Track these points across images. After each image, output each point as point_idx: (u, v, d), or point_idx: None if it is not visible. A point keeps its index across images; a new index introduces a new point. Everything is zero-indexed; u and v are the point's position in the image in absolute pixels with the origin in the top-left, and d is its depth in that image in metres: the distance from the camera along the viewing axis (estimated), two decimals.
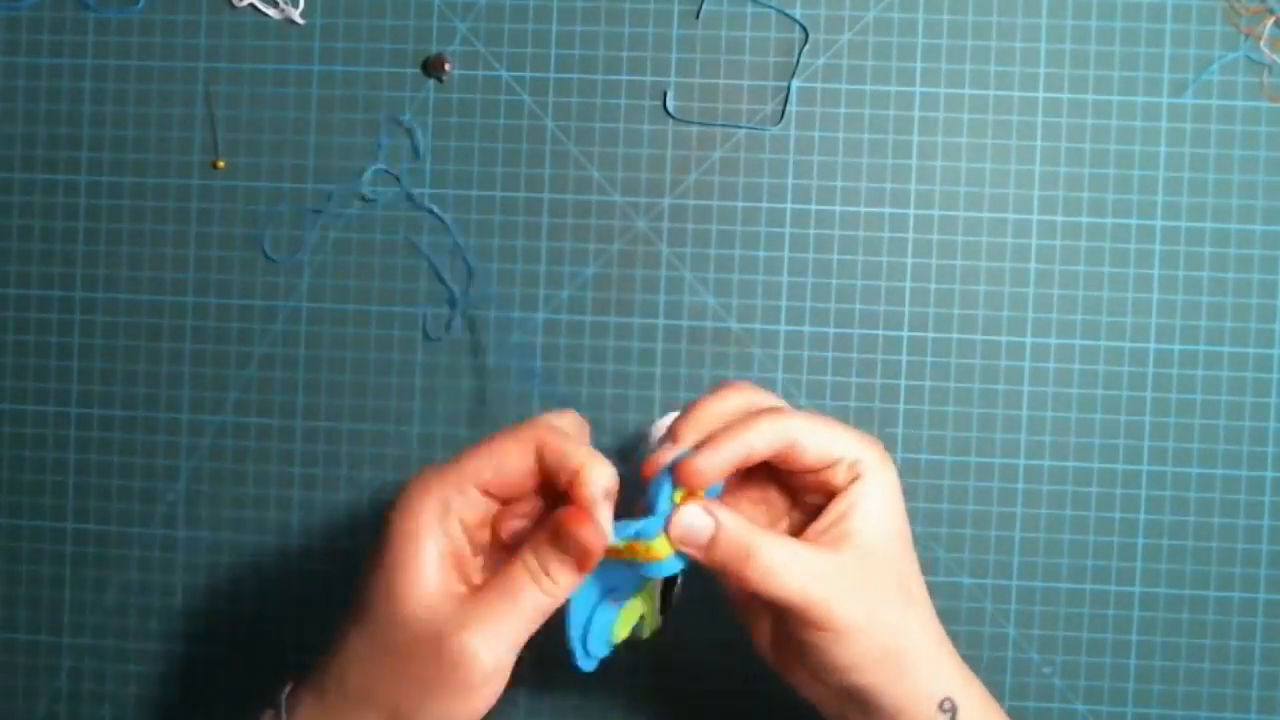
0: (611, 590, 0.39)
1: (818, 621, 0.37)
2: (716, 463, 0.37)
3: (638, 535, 0.37)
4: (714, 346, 0.50)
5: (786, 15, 0.50)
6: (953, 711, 0.39)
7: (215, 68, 0.51)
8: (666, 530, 0.37)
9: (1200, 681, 0.49)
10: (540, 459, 0.36)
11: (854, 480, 0.39)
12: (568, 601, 0.37)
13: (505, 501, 0.38)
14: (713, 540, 0.37)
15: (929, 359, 0.49)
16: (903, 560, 0.39)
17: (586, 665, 0.39)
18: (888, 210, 0.49)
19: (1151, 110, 0.49)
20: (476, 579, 0.37)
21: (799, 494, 0.40)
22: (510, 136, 0.50)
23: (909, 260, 0.49)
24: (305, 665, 0.51)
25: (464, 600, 0.35)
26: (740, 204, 0.50)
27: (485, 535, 0.38)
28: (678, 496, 0.37)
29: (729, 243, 0.50)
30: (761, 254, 0.50)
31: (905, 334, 0.49)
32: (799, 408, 0.47)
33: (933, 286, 0.49)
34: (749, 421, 0.38)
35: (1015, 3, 0.49)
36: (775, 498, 0.41)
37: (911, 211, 0.49)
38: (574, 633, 0.38)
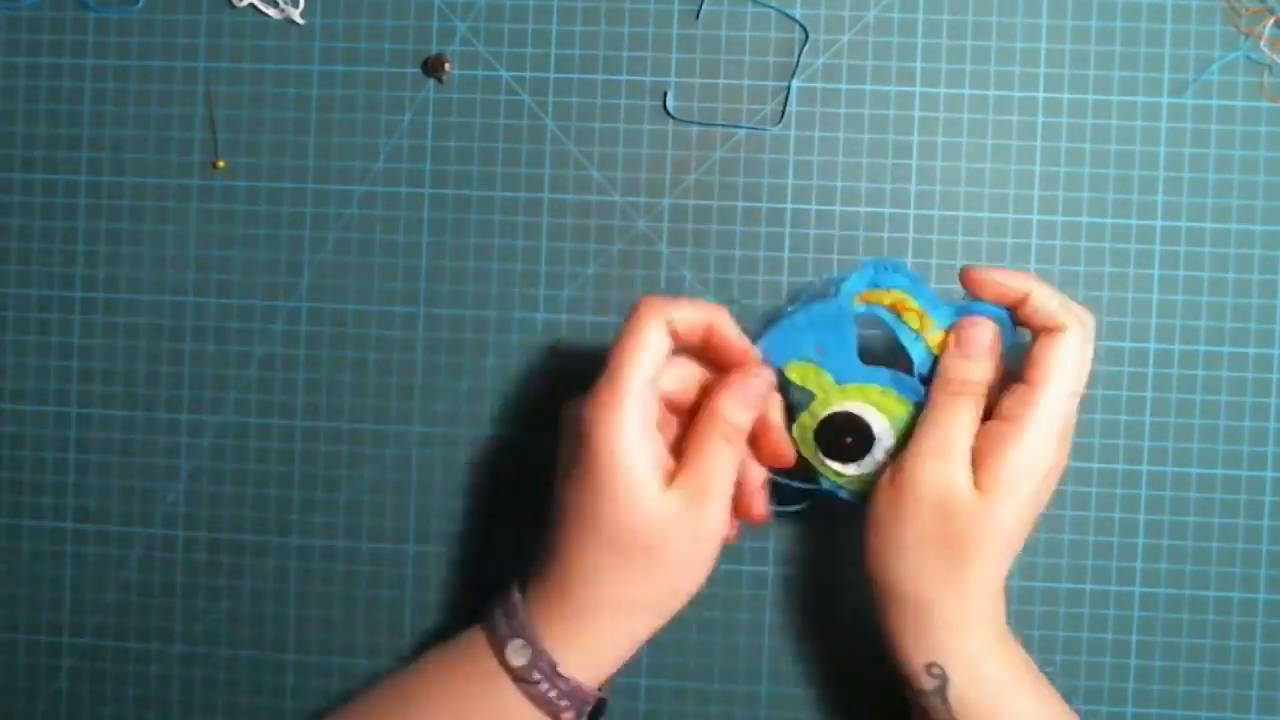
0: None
1: (909, 451, 0.40)
2: (1001, 275, 0.40)
3: (929, 309, 0.41)
4: None
5: (786, 15, 0.50)
6: (942, 680, 0.39)
7: (215, 68, 0.51)
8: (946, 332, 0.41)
9: (1200, 681, 0.49)
10: (712, 347, 0.41)
11: (1037, 359, 0.40)
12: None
13: None
14: (989, 347, 0.41)
15: None
16: (974, 535, 0.39)
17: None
18: (888, 210, 0.49)
19: (1151, 110, 0.49)
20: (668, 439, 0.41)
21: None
22: (510, 136, 0.50)
23: (909, 260, 0.49)
24: (304, 664, 0.51)
25: (679, 480, 0.39)
26: (740, 204, 0.50)
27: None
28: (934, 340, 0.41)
29: (729, 243, 0.50)
30: (761, 254, 0.50)
31: None
32: None
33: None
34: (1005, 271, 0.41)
35: (1015, 3, 0.49)
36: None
37: (911, 211, 0.49)
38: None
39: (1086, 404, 0.49)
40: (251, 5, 0.51)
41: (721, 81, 0.50)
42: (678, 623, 0.50)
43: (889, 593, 0.40)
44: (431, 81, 0.50)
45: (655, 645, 0.50)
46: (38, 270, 0.52)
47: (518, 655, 0.40)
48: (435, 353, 0.51)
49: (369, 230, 0.51)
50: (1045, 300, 0.40)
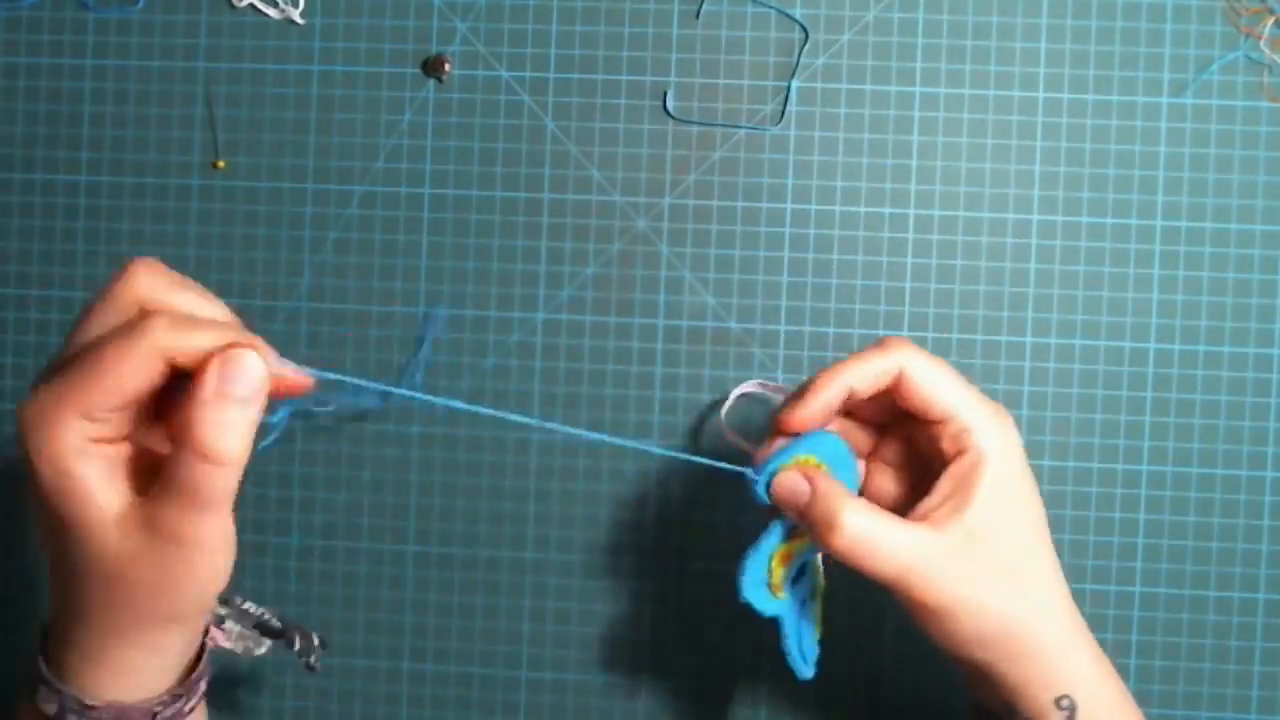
0: (802, 601, 0.41)
1: (909, 601, 0.37)
2: (811, 409, 0.38)
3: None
4: (714, 346, 0.50)
5: (786, 15, 0.50)
6: (1071, 710, 0.38)
7: (215, 68, 0.51)
8: (770, 494, 0.38)
9: (1200, 681, 0.49)
10: (173, 363, 0.32)
11: (960, 453, 0.38)
12: (780, 626, 0.39)
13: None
14: (808, 505, 0.38)
15: None
16: (1017, 544, 0.38)
17: (808, 672, 0.40)
18: (888, 210, 0.49)
19: (1151, 110, 0.49)
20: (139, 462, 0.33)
21: (932, 464, 0.40)
22: (510, 136, 0.50)
23: (909, 260, 0.49)
24: (304, 665, 0.51)
25: (146, 509, 0.32)
26: (740, 204, 0.50)
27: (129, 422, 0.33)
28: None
29: (729, 243, 0.50)
30: (761, 254, 0.50)
31: (905, 334, 0.49)
32: None
33: (933, 286, 0.49)
34: (855, 357, 0.38)
35: (1015, 3, 0.49)
36: (909, 468, 0.41)
37: (911, 211, 0.49)
38: (792, 647, 0.40)
39: (1087, 404, 0.49)
40: (251, 5, 0.51)
41: (721, 81, 0.50)
42: (679, 623, 0.50)
43: (997, 650, 0.38)
44: (431, 81, 0.50)
45: (656, 645, 0.50)
46: (38, 270, 0.52)
47: (48, 703, 0.35)
48: (435, 352, 0.51)
49: (369, 230, 0.51)
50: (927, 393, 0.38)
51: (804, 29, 0.49)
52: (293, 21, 0.51)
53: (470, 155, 0.50)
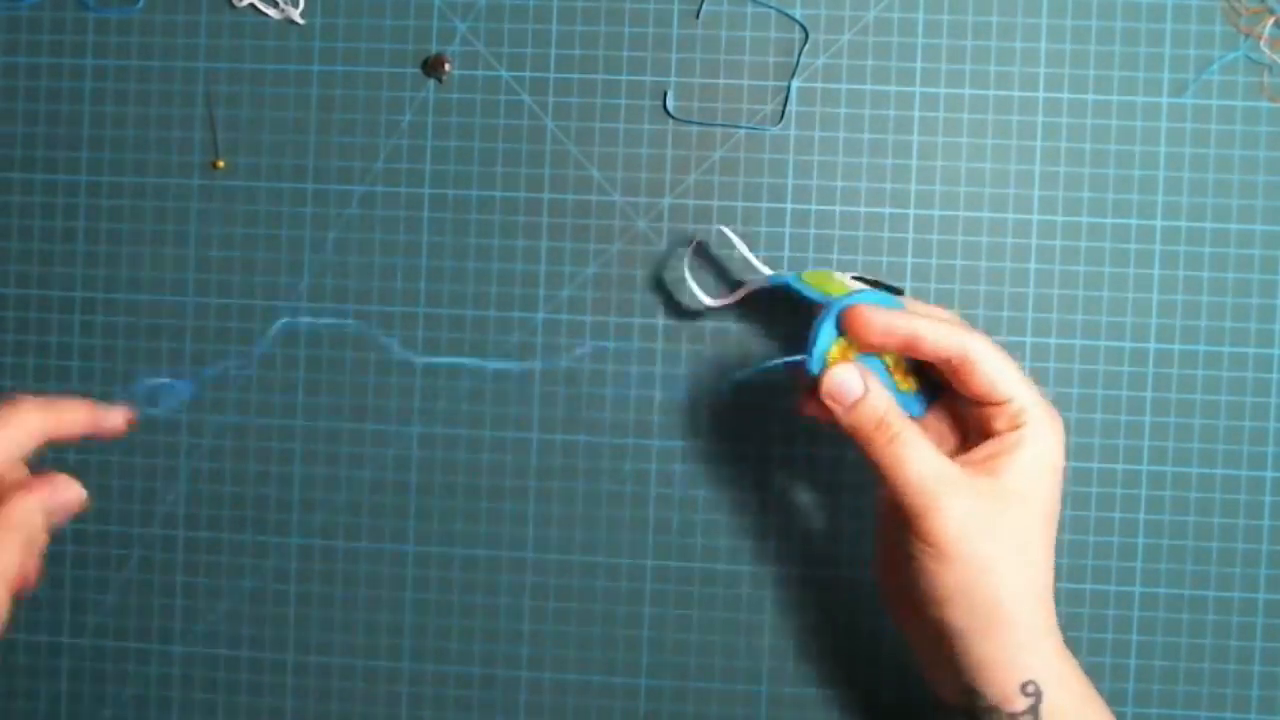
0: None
1: (922, 528, 0.38)
2: (883, 323, 0.39)
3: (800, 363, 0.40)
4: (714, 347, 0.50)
5: (786, 15, 0.50)
6: (1036, 698, 0.38)
7: (215, 68, 0.51)
8: (818, 372, 0.39)
9: (1200, 681, 0.49)
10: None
11: (1013, 429, 0.39)
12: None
13: None
14: (858, 402, 0.39)
15: None
16: (1030, 523, 0.39)
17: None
18: (888, 210, 0.49)
19: (1151, 110, 0.49)
20: None
21: (973, 436, 0.41)
22: (510, 136, 0.50)
23: (909, 260, 0.49)
24: (304, 665, 0.51)
25: None
26: (740, 204, 0.50)
27: None
28: (836, 349, 0.40)
29: (729, 243, 0.50)
30: (761, 254, 0.50)
31: None
32: None
33: (933, 286, 0.49)
34: (935, 320, 0.40)
35: (1015, 3, 0.49)
36: (950, 432, 0.43)
37: (911, 211, 0.49)
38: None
39: (1087, 404, 0.49)
40: (251, 5, 0.51)
41: (721, 81, 0.50)
42: (678, 622, 0.50)
43: (973, 618, 0.38)
44: (431, 81, 0.50)
45: (655, 645, 0.50)
46: (38, 270, 0.52)
47: None
48: (435, 353, 0.51)
49: (369, 230, 0.51)
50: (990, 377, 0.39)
51: (804, 29, 0.49)
52: (293, 21, 0.51)
53: (470, 155, 0.50)
